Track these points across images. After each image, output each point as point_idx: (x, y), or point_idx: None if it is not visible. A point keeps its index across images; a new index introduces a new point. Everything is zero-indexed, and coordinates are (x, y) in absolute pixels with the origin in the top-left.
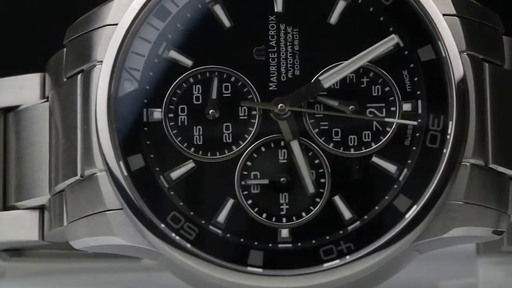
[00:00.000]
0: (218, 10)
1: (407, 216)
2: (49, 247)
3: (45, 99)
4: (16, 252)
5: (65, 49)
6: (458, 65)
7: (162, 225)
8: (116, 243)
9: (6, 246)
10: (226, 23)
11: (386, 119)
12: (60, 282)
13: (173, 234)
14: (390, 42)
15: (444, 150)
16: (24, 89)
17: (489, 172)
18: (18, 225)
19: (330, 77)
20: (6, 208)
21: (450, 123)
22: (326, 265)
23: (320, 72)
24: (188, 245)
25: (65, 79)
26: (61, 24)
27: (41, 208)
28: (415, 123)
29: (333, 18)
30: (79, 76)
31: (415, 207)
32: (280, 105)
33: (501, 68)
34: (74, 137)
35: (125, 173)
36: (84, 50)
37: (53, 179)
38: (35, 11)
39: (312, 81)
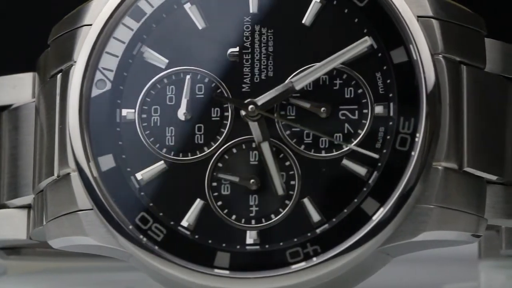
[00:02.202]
0: (194, 10)
1: (374, 218)
2: (47, 246)
3: (35, 98)
4: (13, 250)
5: (49, 48)
6: (429, 68)
7: (130, 226)
8: (89, 243)
9: None
10: (201, 24)
11: (349, 146)
12: (58, 281)
13: (141, 236)
14: (363, 44)
15: (413, 153)
16: (16, 88)
17: (464, 175)
18: (7, 224)
19: (302, 79)
20: None
21: (420, 125)
22: (292, 267)
23: (294, 74)
24: (155, 247)
25: (48, 79)
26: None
27: (29, 207)
28: (376, 156)
29: (308, 20)
30: (59, 75)
31: (381, 209)
32: (251, 106)
33: (481, 71)
34: (53, 136)
35: (95, 174)
36: (64, 50)
37: (36, 178)
38: (31, 10)
39: (285, 82)
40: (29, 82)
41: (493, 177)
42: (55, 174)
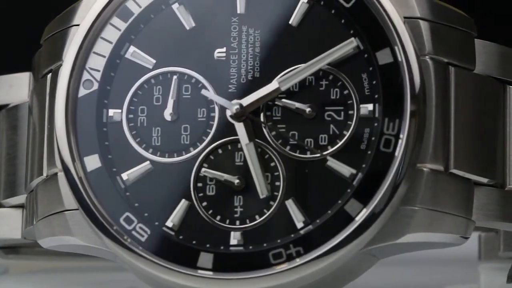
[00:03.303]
0: (182, 11)
1: (356, 220)
2: None
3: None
4: (12, 249)
5: (42, 47)
6: (415, 69)
7: (115, 227)
8: (75, 243)
9: None
10: (189, 24)
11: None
12: (59, 280)
13: (125, 236)
14: (349, 45)
15: (396, 154)
16: (13, 88)
17: (451, 177)
18: (3, 223)
19: (288, 80)
20: None
21: (404, 127)
22: (274, 268)
23: (280, 75)
24: (139, 247)
25: (39, 78)
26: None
27: (23, 206)
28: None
29: (295, 20)
30: (49, 75)
31: (364, 211)
32: (236, 107)
33: (470, 72)
34: (43, 136)
35: (81, 174)
36: (54, 49)
37: (28, 177)
38: (30, 10)
39: (271, 83)
40: (25, 82)
41: (483, 179)
42: (44, 174)
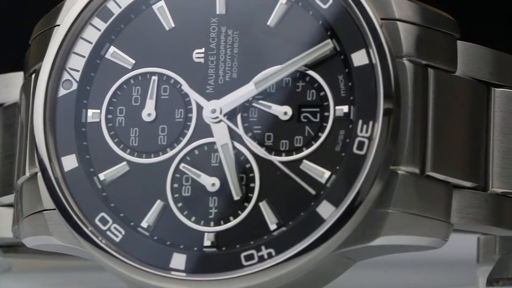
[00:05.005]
0: (162, 11)
1: (327, 222)
2: None
3: None
4: (10, 248)
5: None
6: (389, 71)
7: (89, 227)
8: (54, 243)
9: None
10: (169, 25)
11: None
12: (61, 279)
13: (99, 237)
14: (325, 47)
15: (368, 156)
16: (9, 87)
17: (427, 180)
18: None
19: (264, 81)
20: None
21: (376, 129)
22: (245, 270)
23: (257, 76)
24: (113, 247)
25: (26, 78)
26: None
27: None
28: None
29: (273, 21)
30: (33, 75)
31: (335, 213)
32: (212, 108)
33: (450, 74)
34: (27, 135)
35: (58, 174)
36: (38, 50)
37: (15, 176)
38: (27, 10)
39: (247, 84)
40: (20, 81)
41: (464, 183)
42: (27, 173)
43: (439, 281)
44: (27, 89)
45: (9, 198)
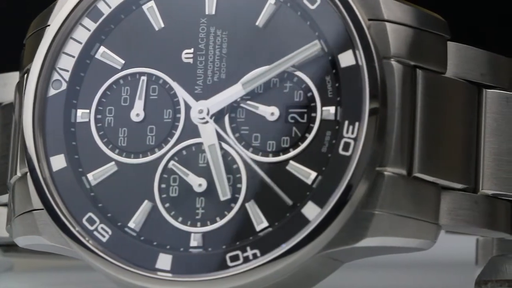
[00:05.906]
0: (152, 11)
1: (312, 222)
2: None
3: None
4: (10, 247)
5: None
6: (375, 72)
7: (77, 227)
8: (43, 243)
9: None
10: (158, 25)
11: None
12: (63, 278)
13: (86, 237)
14: (312, 47)
15: (353, 156)
16: (7, 86)
17: (414, 181)
18: None
19: (252, 81)
20: None
21: (361, 130)
22: (231, 270)
23: (245, 76)
24: (100, 247)
25: (20, 77)
26: None
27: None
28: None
29: (261, 21)
30: (26, 75)
31: (321, 214)
32: (199, 108)
33: (439, 75)
34: (19, 135)
35: (46, 174)
36: (31, 50)
37: (9, 175)
38: (26, 10)
39: (235, 85)
40: (17, 81)
41: (454, 184)
42: (18, 173)
43: (438, 283)
44: (21, 89)
45: (6, 198)
